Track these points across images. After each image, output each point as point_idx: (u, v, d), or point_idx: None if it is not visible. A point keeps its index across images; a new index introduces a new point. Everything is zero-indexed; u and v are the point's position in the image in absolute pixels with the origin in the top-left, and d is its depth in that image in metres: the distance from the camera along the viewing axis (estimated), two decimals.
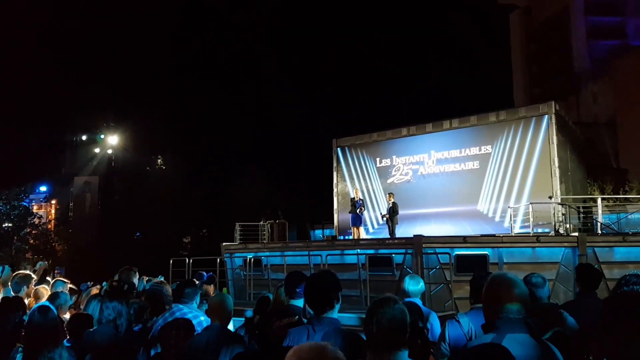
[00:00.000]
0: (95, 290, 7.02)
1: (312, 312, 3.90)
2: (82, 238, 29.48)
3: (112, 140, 27.66)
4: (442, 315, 6.44)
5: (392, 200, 16.64)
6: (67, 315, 5.31)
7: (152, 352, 4.46)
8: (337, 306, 3.34)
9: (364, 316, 2.97)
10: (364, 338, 3.38)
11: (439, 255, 13.70)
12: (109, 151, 28.08)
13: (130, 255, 30.22)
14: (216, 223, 34.75)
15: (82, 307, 5.61)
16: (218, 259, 18.07)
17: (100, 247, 31.80)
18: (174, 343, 4.07)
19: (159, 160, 37.02)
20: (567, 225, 16.01)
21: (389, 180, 20.46)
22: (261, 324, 4.92)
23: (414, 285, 5.05)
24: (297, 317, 4.24)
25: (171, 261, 18.07)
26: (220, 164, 37.06)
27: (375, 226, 20.45)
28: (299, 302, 4.38)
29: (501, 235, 14.86)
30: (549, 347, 2.50)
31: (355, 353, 3.06)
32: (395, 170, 20.51)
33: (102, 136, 27.26)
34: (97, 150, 27.88)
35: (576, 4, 52.53)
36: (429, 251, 13.80)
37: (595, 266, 8.47)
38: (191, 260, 17.96)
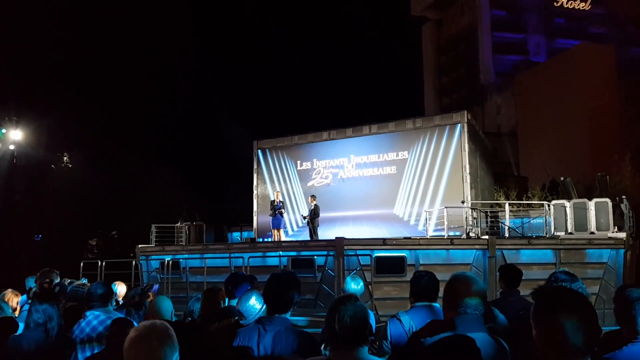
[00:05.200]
0: (9, 295, 6.56)
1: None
2: None
3: (15, 135, 25.74)
4: None
5: (314, 203, 16.82)
6: None
7: None
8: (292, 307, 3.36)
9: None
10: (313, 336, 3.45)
11: (359, 257, 13.99)
12: (11, 147, 26.10)
13: (29, 258, 28.40)
14: (127, 224, 33.46)
15: None
16: (134, 262, 17.46)
17: None
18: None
19: (65, 158, 35.03)
20: (477, 229, 16.92)
21: (310, 183, 20.65)
22: (198, 325, 4.84)
23: (355, 286, 5.19)
24: (235, 317, 4.23)
25: (82, 264, 17.25)
26: (131, 163, 35.75)
27: (295, 229, 20.55)
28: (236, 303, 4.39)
29: (418, 237, 15.42)
30: (503, 345, 2.62)
31: (309, 350, 3.11)
32: (315, 174, 20.73)
33: (4, 131, 25.30)
34: None
35: (483, 20, 55.58)
36: (350, 253, 14.07)
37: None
38: (104, 263, 17.25)
